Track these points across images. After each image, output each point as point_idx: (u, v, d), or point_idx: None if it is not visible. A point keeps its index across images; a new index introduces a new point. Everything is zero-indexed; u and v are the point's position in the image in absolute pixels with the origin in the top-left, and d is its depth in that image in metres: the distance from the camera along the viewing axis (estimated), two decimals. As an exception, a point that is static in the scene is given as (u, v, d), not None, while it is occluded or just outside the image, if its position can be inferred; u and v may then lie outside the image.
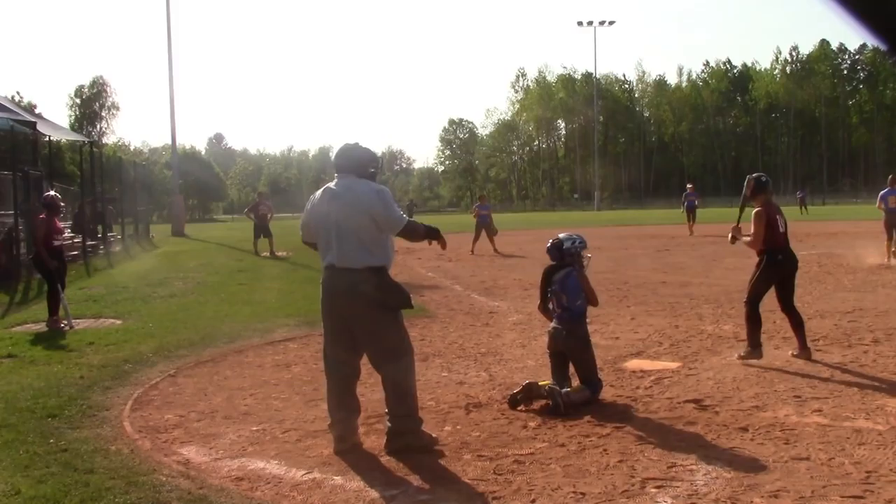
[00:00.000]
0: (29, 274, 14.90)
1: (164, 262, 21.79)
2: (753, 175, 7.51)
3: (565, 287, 6.02)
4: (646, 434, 5.11)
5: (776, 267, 7.19)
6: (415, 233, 5.05)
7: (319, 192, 5.09)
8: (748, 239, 7.27)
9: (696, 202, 28.69)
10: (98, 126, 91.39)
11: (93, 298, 13.06)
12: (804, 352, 7.17)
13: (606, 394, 6.13)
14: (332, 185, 5.02)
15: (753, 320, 7.15)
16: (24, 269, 15.44)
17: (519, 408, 5.75)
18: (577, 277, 6.02)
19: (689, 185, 30.33)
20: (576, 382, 5.94)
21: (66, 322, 10.18)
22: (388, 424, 4.89)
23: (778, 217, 7.22)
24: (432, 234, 5.17)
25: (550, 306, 6.17)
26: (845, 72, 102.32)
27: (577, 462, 4.61)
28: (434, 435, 4.99)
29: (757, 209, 7.22)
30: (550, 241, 6.25)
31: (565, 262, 6.11)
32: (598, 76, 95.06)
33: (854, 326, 8.87)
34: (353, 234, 4.78)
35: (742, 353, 7.14)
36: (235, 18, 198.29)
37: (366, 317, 4.82)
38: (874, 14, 1.26)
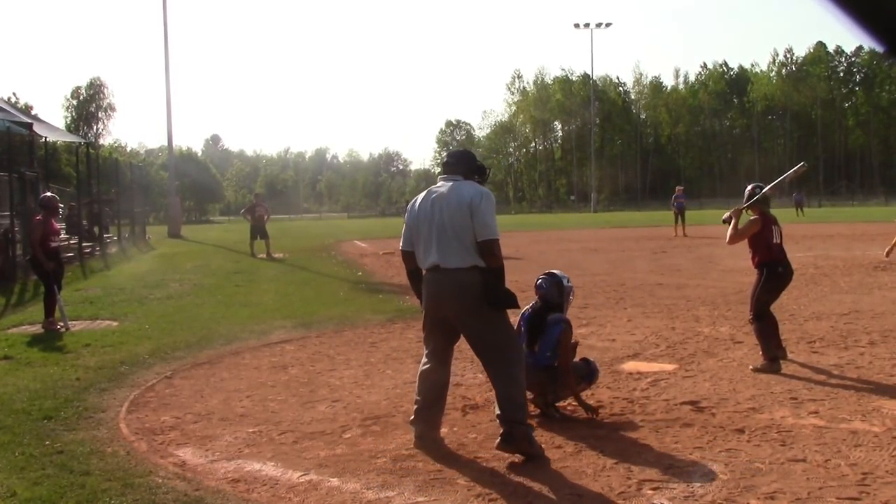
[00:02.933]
0: (25, 275, 14.88)
1: (160, 263, 21.76)
2: (750, 185, 7.59)
3: (547, 332, 5.58)
4: (642, 436, 5.11)
5: (778, 279, 7.22)
6: (495, 257, 4.75)
7: (421, 195, 5.07)
8: (732, 231, 7.32)
9: (684, 203, 28.76)
10: (94, 127, 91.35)
11: (89, 300, 13.04)
12: (779, 350, 7.17)
13: (603, 395, 6.14)
14: (436, 185, 5.02)
15: (765, 333, 7.07)
16: (20, 271, 15.42)
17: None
18: (561, 331, 5.56)
19: (678, 188, 30.39)
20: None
21: (62, 324, 10.16)
22: (501, 427, 4.73)
23: (773, 227, 7.25)
24: (508, 296, 4.78)
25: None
26: (842, 74, 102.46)
27: (573, 463, 4.61)
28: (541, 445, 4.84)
29: (754, 217, 7.28)
30: (543, 278, 5.77)
31: (559, 303, 5.71)
32: (595, 78, 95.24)
33: (850, 328, 8.88)
34: (458, 233, 4.76)
35: (758, 366, 6.93)
36: (232, 19, 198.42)
37: (474, 316, 4.81)
38: (872, 15, 1.26)
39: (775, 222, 7.32)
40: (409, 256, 5.11)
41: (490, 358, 4.88)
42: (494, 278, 4.77)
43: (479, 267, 4.78)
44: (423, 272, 4.99)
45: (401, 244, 5.15)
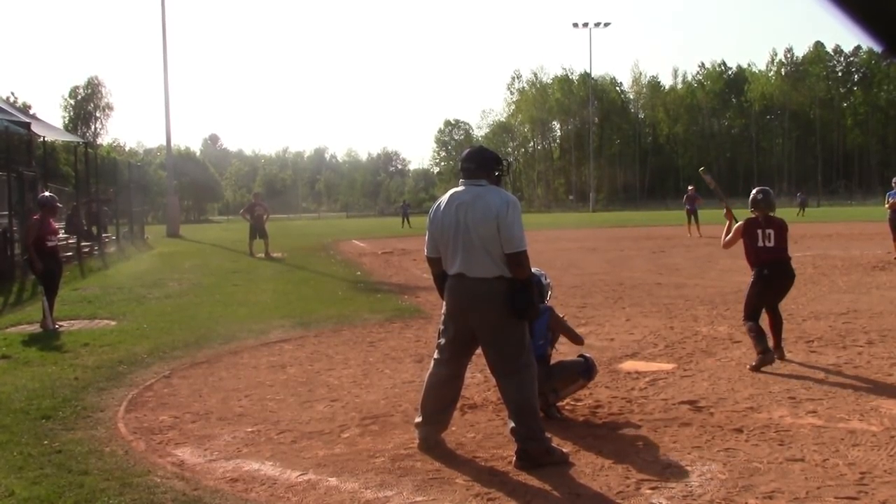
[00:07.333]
0: (23, 275, 14.86)
1: (159, 263, 21.76)
2: (755, 190, 7.68)
3: (536, 323, 5.50)
4: (641, 435, 5.11)
5: (763, 281, 7.27)
6: (523, 268, 4.72)
7: (445, 197, 4.95)
8: (723, 237, 7.67)
9: (697, 204, 28.45)
10: (93, 127, 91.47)
11: (87, 299, 13.03)
12: (777, 350, 7.19)
13: (602, 395, 6.14)
14: (459, 190, 4.88)
15: (757, 333, 7.09)
16: (18, 270, 15.40)
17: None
18: (549, 317, 5.64)
19: (690, 187, 30.23)
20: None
21: (60, 324, 10.14)
22: (516, 442, 4.69)
23: (759, 231, 7.27)
24: (533, 306, 4.79)
25: None
26: (840, 74, 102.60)
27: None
28: (565, 450, 4.76)
29: (748, 218, 7.38)
30: None
31: (541, 298, 5.72)
32: (594, 77, 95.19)
33: (849, 328, 8.89)
34: (485, 244, 4.68)
35: (754, 363, 6.92)
36: (231, 19, 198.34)
37: (493, 323, 4.74)
38: (871, 14, 1.26)
39: (769, 226, 7.29)
40: (434, 262, 5.03)
41: (503, 370, 4.79)
42: (521, 288, 4.73)
43: (504, 277, 4.72)
44: (448, 277, 4.91)
45: (426, 251, 5.08)
